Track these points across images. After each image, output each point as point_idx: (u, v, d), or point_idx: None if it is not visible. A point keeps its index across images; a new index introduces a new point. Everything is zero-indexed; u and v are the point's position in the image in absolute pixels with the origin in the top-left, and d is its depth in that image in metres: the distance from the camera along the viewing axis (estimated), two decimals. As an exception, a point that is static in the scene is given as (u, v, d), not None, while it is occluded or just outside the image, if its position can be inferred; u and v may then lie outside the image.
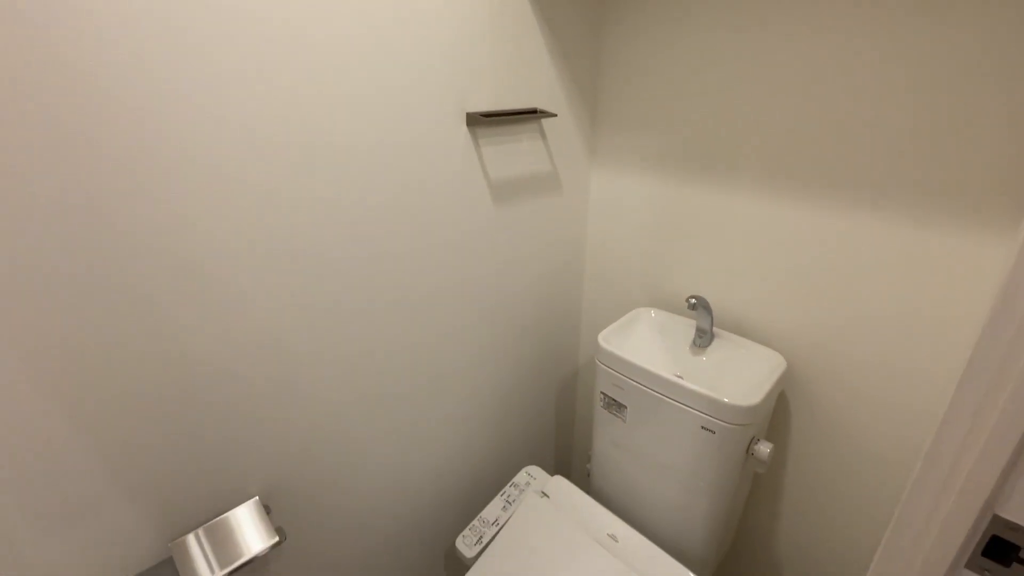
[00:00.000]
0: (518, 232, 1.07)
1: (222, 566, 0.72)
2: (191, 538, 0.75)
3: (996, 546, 0.44)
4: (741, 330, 1.03)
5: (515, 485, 1.16)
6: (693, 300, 0.95)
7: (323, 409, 0.85)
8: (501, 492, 1.15)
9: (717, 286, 1.04)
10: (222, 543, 0.75)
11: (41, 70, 0.50)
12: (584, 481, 1.22)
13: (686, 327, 1.07)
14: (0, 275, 0.52)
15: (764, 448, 0.90)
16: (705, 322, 1.00)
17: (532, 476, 1.18)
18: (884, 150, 0.77)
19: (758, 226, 0.94)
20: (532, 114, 0.94)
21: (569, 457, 1.60)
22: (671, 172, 1.04)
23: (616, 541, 0.99)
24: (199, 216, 0.63)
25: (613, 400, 1.03)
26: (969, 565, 0.45)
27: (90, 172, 0.54)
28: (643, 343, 1.08)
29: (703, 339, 1.02)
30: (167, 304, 0.64)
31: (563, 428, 1.50)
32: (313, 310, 0.78)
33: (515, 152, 0.99)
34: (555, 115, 0.97)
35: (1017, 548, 0.42)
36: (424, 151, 0.84)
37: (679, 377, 0.90)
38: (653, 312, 1.12)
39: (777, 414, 1.03)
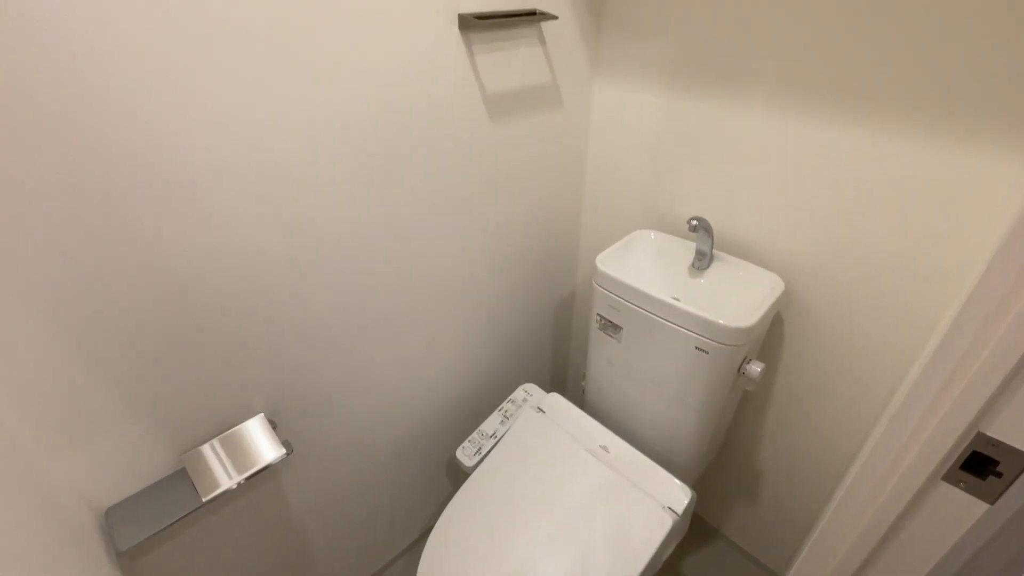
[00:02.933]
0: (516, 149, 1.02)
1: (239, 472, 0.76)
2: (206, 448, 0.78)
3: (975, 461, 0.45)
4: (742, 252, 1.02)
5: (512, 401, 1.20)
6: (695, 221, 0.92)
7: (321, 326, 0.86)
8: (499, 408, 1.19)
9: (720, 208, 1.01)
10: (235, 453, 0.79)
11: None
12: (579, 398, 1.27)
13: (686, 249, 1.05)
14: (-32, 194, 0.49)
15: (755, 368, 0.92)
16: (705, 244, 0.98)
17: (529, 393, 1.22)
18: (900, 61, 0.71)
19: (765, 144, 0.89)
20: (531, 16, 0.86)
21: (565, 375, 1.65)
22: (679, 85, 0.97)
23: (608, 452, 1.04)
24: (185, 133, 0.59)
25: (609, 322, 1.04)
26: (947, 477, 0.47)
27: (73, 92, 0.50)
28: (641, 265, 1.07)
29: (702, 261, 1.01)
30: (152, 218, 0.61)
31: (559, 347, 1.54)
32: (304, 225, 0.76)
33: (512, 60, 0.92)
34: (556, 17, 0.89)
35: (995, 463, 0.44)
36: (412, 57, 0.77)
37: (676, 299, 0.90)
38: (653, 234, 1.10)
39: (771, 335, 1.04)
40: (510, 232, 1.11)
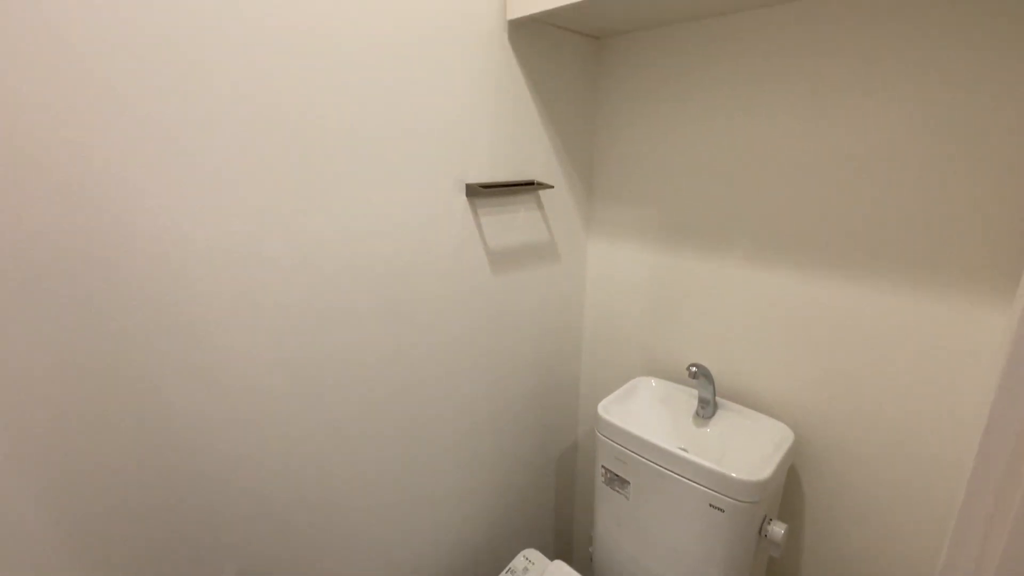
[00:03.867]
0: (516, 300, 1.07)
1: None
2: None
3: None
4: (744, 399, 1.00)
5: (512, 571, 1.07)
6: (694, 368, 0.93)
7: (309, 481, 0.81)
8: (497, 579, 1.06)
9: (718, 354, 1.03)
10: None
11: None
12: (586, 566, 1.13)
13: (688, 396, 1.04)
14: (-15, 338, 0.51)
15: (778, 529, 0.84)
16: (707, 391, 0.97)
17: (531, 561, 1.10)
18: (874, 223, 0.78)
19: (756, 295, 0.94)
20: (529, 186, 0.97)
21: (570, 539, 1.50)
22: (667, 242, 1.06)
23: (623, 637, 0.90)
24: (195, 275, 0.63)
25: (615, 475, 0.98)
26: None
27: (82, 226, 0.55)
28: (644, 413, 1.04)
29: (706, 409, 0.99)
30: (148, 375, 0.62)
31: (563, 507, 1.42)
32: (300, 372, 0.76)
33: (513, 222, 1.01)
34: (552, 187, 1.00)
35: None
36: (424, 218, 0.86)
37: (683, 450, 0.86)
38: (654, 381, 1.10)
39: (789, 492, 0.97)
40: (510, 381, 1.11)
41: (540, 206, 1.06)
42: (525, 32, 0.94)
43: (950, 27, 0.68)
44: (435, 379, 0.95)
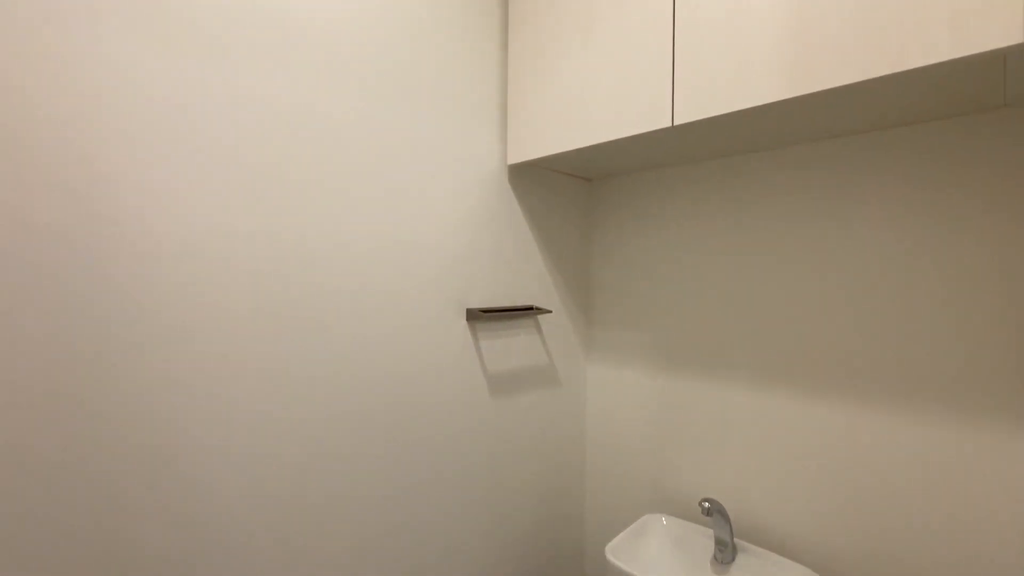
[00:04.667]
0: (515, 429, 1.03)
1: None
2: None
3: None
4: (764, 538, 0.91)
5: None
6: (707, 504, 0.86)
7: (277, 646, 0.70)
8: None
9: (731, 487, 0.96)
10: None
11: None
12: None
13: (703, 538, 0.95)
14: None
15: None
16: (724, 532, 0.89)
17: None
18: (890, 348, 0.79)
19: (765, 421, 0.91)
20: (528, 310, 0.99)
21: None
22: (667, 367, 1.05)
23: None
24: (190, 395, 0.61)
25: (629, 635, 0.85)
26: None
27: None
28: (657, 558, 0.94)
29: (724, 553, 0.90)
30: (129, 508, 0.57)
31: (570, 677, 1.21)
32: (287, 514, 0.70)
33: (512, 346, 1.02)
34: (550, 311, 1.02)
35: None
36: (423, 344, 0.86)
37: (704, 603, 0.76)
38: (664, 519, 1.01)
39: (829, 657, 0.84)
40: (510, 514, 1.02)
41: (539, 330, 1.08)
42: (523, 174, 1.03)
43: (928, 173, 0.76)
44: (431, 520, 0.87)
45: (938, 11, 0.53)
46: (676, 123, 0.74)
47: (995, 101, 0.67)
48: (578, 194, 1.16)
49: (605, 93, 0.82)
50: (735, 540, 0.92)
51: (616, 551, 0.90)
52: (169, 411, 0.60)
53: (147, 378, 0.59)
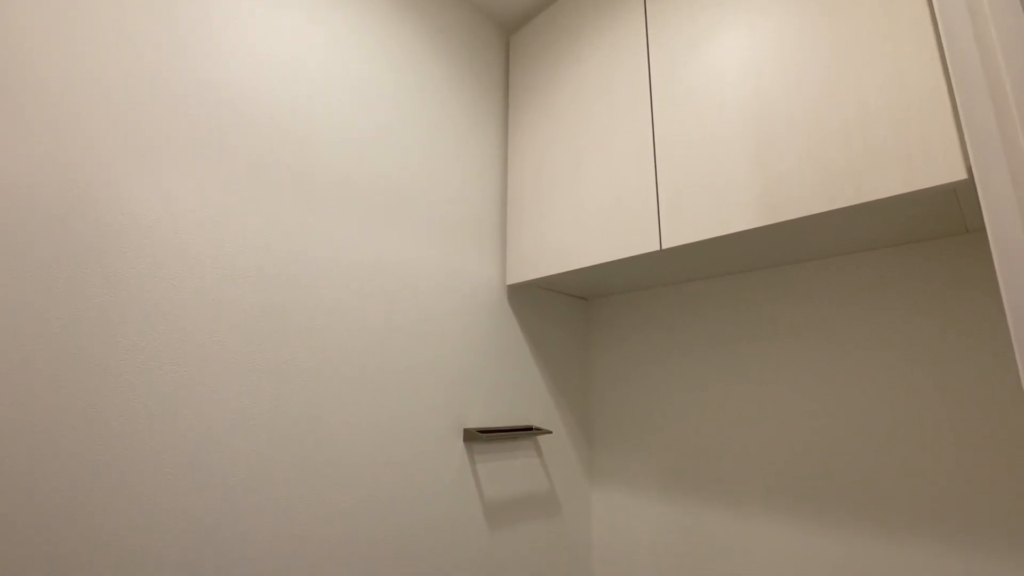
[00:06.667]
0: (515, 560, 0.94)
1: None
2: None
3: None
4: None
5: None
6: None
7: None
8: None
9: (758, 640, 0.85)
10: None
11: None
12: None
13: None
14: None
15: None
16: None
17: None
18: (886, 473, 0.75)
19: (783, 554, 0.83)
20: (528, 431, 0.96)
21: None
22: (676, 493, 0.99)
23: None
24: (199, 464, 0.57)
25: None
26: None
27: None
28: None
29: None
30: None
31: None
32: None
33: (511, 469, 0.97)
34: (550, 432, 0.99)
35: None
36: (419, 469, 0.82)
37: None
38: None
39: None
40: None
41: (539, 453, 1.03)
42: (522, 294, 1.07)
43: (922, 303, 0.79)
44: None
45: (890, 152, 0.59)
46: (664, 247, 0.78)
47: (959, 228, 0.72)
48: (576, 313, 1.19)
49: (597, 218, 0.89)
50: None
51: None
52: None
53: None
